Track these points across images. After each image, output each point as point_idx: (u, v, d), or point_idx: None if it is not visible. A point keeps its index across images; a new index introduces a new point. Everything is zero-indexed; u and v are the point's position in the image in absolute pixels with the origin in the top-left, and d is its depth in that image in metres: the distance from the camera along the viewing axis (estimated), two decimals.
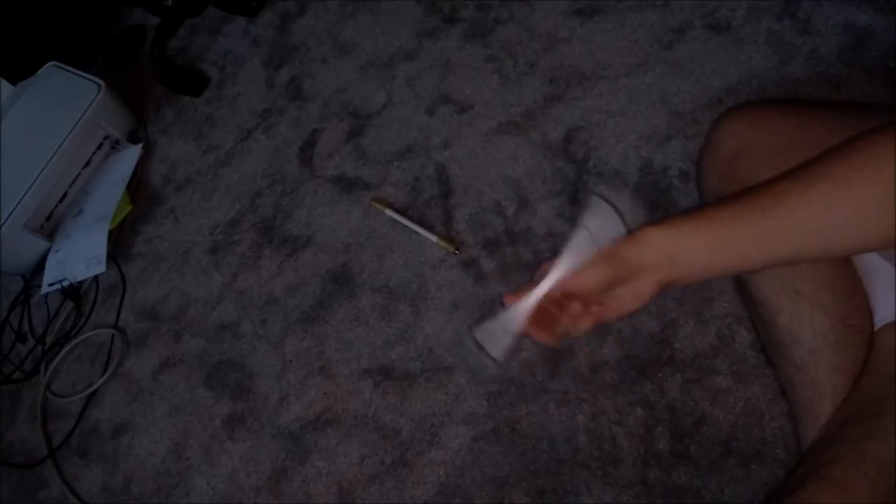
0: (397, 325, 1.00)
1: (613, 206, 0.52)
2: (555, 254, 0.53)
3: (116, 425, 1.11)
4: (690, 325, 0.85)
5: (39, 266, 1.30)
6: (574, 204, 0.99)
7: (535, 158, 1.04)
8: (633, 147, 0.99)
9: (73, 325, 1.23)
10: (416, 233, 1.05)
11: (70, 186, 1.32)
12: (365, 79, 1.26)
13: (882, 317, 0.64)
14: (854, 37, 0.95)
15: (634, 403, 0.83)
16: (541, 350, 0.89)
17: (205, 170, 1.31)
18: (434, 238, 1.03)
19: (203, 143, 1.35)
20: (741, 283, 0.74)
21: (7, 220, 1.21)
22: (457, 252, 1.01)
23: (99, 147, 1.35)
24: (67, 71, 1.37)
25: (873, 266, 0.65)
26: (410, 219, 1.06)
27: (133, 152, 1.36)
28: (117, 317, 1.21)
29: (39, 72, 1.39)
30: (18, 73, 1.39)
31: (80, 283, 1.25)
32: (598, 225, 0.52)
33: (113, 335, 1.18)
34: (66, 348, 1.21)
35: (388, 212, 1.08)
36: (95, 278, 1.26)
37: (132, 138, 1.40)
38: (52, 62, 1.39)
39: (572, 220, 0.57)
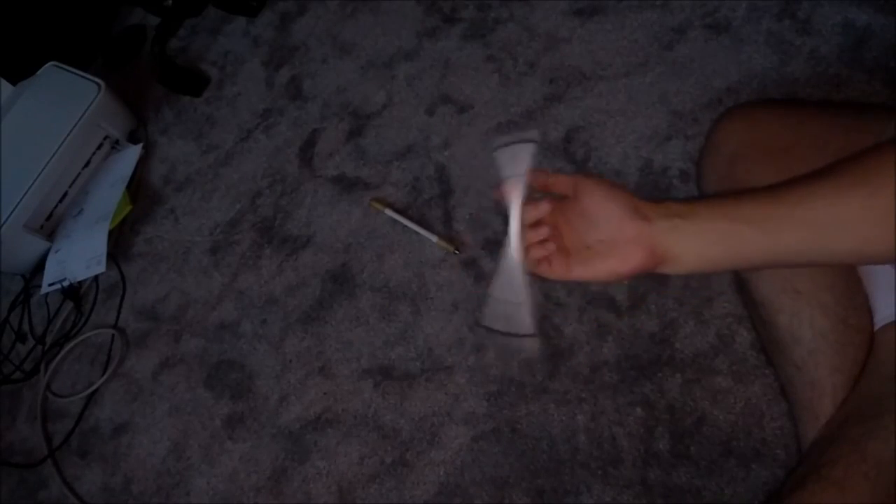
0: (397, 325, 1.00)
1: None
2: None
3: (116, 425, 1.11)
4: (690, 325, 0.85)
5: (39, 266, 1.30)
6: None
7: (535, 158, 1.04)
8: (634, 147, 0.99)
9: (73, 325, 1.23)
10: (416, 233, 1.05)
11: (70, 186, 1.32)
12: (365, 79, 1.26)
13: (882, 317, 0.64)
14: (854, 37, 0.95)
15: (634, 403, 0.83)
16: (541, 350, 0.89)
17: (205, 170, 1.31)
18: (434, 238, 1.03)
19: (203, 143, 1.35)
20: (741, 283, 0.74)
21: (7, 220, 1.21)
22: (457, 252, 1.01)
23: (99, 147, 1.34)
24: (67, 71, 1.37)
25: (873, 266, 0.65)
26: (410, 219, 1.06)
27: (133, 152, 1.35)
28: (117, 317, 1.21)
29: (39, 72, 1.38)
30: (18, 73, 1.39)
31: (80, 283, 1.25)
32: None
33: (113, 335, 1.18)
34: (66, 348, 1.21)
35: (388, 212, 1.08)
36: (95, 278, 1.26)
37: (132, 138, 1.40)
38: (52, 62, 1.39)
39: None
